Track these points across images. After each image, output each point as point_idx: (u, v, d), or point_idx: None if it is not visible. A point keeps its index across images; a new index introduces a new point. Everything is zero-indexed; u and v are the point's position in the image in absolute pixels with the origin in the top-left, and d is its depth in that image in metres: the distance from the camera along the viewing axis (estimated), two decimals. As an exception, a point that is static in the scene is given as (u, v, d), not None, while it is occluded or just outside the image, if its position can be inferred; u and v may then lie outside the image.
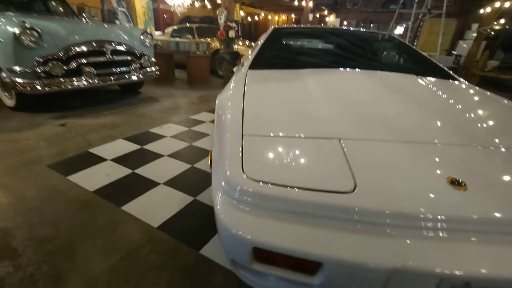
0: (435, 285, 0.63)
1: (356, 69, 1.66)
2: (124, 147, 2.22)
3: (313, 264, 0.67)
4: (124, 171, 1.84)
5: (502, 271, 0.61)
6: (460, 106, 1.25)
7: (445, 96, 1.39)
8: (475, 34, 6.80)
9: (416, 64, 1.86)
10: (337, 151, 0.86)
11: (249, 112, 1.07)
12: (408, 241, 0.65)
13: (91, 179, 1.72)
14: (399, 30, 10.55)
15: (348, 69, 1.66)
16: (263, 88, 1.38)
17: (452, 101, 1.32)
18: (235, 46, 4.97)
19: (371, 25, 12.23)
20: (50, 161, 1.93)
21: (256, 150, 0.87)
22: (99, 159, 1.98)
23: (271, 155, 0.85)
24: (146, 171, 1.86)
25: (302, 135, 0.94)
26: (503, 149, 0.90)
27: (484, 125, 1.08)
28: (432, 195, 0.72)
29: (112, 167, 1.89)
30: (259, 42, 2.13)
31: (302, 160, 0.84)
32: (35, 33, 2.57)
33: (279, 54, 1.96)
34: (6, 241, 1.20)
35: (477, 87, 1.53)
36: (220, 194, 0.81)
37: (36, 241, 1.21)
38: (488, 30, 5.73)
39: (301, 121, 1.03)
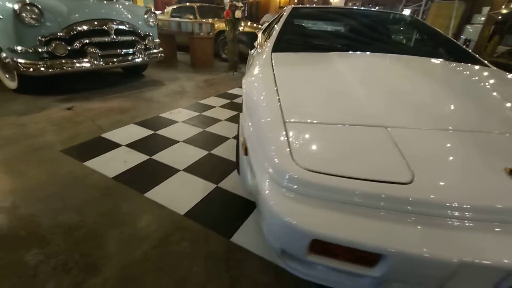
0: (499, 279, 0.63)
1: (385, 53, 1.60)
2: (136, 132, 2.16)
3: (373, 256, 0.66)
4: (141, 157, 1.79)
5: None
6: (499, 93, 1.21)
7: (482, 82, 1.35)
8: (483, 18, 6.62)
9: (444, 47, 1.79)
10: (387, 139, 0.83)
11: (286, 98, 1.02)
12: (472, 234, 0.64)
13: (109, 165, 1.68)
14: (406, 12, 10.23)
15: (376, 53, 1.59)
16: (294, 72, 1.32)
17: (491, 88, 1.28)
18: (240, 28, 4.79)
19: (376, 7, 11.85)
20: (62, 146, 1.87)
21: (302, 137, 0.83)
22: (114, 145, 1.93)
23: (318, 143, 0.82)
24: (163, 157, 1.82)
25: (346, 123, 0.90)
26: None
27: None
28: (492, 187, 0.70)
29: (128, 153, 1.85)
30: (275, 24, 2.03)
31: (351, 149, 0.80)
32: (36, 10, 2.42)
33: (301, 36, 1.87)
34: (32, 228, 1.18)
35: (508, 74, 1.49)
36: (268, 181, 0.78)
37: (63, 228, 1.18)
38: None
39: (342, 108, 0.99)
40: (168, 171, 1.66)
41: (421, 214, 0.67)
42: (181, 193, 1.47)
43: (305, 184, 0.71)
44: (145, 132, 2.17)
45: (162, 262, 1.06)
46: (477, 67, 1.54)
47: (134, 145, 1.95)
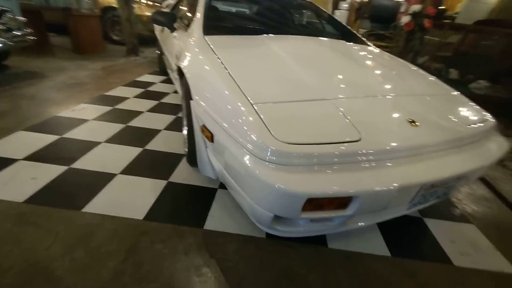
0: (416, 191, 0.94)
1: (303, 36, 1.83)
2: (33, 140, 1.69)
3: (346, 199, 0.85)
4: (56, 169, 1.45)
5: (449, 172, 0.96)
6: (388, 66, 1.61)
7: (376, 58, 1.75)
8: (346, 5, 8.21)
9: (340, 31, 2.19)
10: (334, 110, 1.02)
11: (243, 82, 1.06)
12: (402, 167, 0.91)
13: (11, 187, 1.29)
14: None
15: (296, 35, 1.80)
16: (237, 56, 1.35)
17: (382, 62, 1.69)
18: (136, 5, 4.20)
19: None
20: None
21: (272, 116, 0.92)
22: (7, 161, 1.47)
23: (287, 119, 0.93)
24: (87, 163, 1.53)
25: (301, 99, 1.04)
26: (428, 98, 1.29)
27: (410, 79, 1.47)
28: (405, 133, 1.00)
29: (32, 167, 1.45)
30: (188, 6, 1.96)
31: (312, 121, 0.95)
32: None
33: (225, 19, 1.89)
34: None
35: (385, 52, 1.99)
36: (248, 158, 0.84)
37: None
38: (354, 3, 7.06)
39: (292, 87, 1.12)
40: (101, 178, 1.42)
41: (370, 161, 0.89)
42: (129, 198, 1.31)
43: (286, 155, 0.81)
44: (46, 138, 1.72)
45: (140, 271, 0.98)
46: (369, 47, 1.97)
47: (39, 157, 1.54)
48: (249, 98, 0.97)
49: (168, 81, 3.24)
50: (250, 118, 0.89)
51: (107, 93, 2.63)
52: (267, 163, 0.82)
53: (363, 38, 2.09)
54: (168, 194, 1.37)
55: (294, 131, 0.88)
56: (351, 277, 1.05)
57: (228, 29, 1.71)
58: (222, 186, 1.45)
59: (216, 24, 1.70)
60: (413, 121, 1.05)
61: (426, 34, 3.37)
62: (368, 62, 1.65)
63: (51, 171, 1.43)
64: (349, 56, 1.68)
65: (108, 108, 2.28)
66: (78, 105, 2.28)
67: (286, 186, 0.77)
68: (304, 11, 2.29)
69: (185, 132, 1.61)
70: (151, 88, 2.93)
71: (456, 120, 1.16)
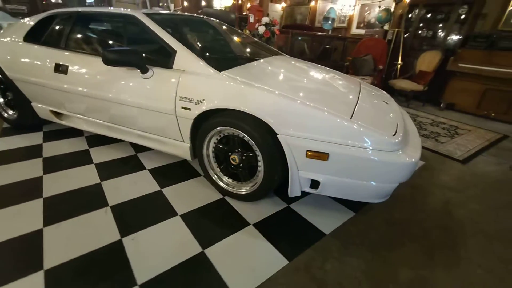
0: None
1: (267, 57, 2.09)
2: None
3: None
4: None
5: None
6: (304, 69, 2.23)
7: (312, 67, 2.34)
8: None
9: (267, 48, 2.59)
10: (370, 109, 1.53)
11: (318, 103, 1.32)
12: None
13: None
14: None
15: (264, 58, 2.03)
16: (274, 82, 1.51)
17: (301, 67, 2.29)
18: None
19: None
20: None
21: (366, 121, 1.29)
22: None
23: (372, 121, 1.34)
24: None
25: (352, 105, 1.46)
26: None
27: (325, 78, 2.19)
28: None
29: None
30: None
31: (379, 118, 1.42)
32: None
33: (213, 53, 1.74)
34: None
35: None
36: (379, 153, 1.21)
37: None
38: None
39: (331, 96, 1.50)
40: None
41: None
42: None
43: (398, 143, 1.24)
44: None
45: None
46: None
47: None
48: (339, 114, 1.26)
49: (55, 134, 2.32)
50: (361, 129, 1.22)
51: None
52: (391, 152, 1.21)
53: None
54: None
55: (384, 128, 1.31)
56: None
57: (226, 62, 1.67)
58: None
59: (216, 58, 1.61)
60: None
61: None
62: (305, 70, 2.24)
63: None
64: (306, 67, 2.16)
65: None
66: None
67: (414, 159, 1.22)
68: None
69: (261, 168, 1.45)
70: (47, 154, 2.02)
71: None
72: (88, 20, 1.96)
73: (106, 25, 2.01)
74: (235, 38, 2.33)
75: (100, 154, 2.03)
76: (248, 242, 1.29)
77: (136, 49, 1.46)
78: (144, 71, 1.52)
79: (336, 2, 5.80)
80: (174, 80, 1.49)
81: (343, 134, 1.23)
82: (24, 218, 1.36)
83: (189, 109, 1.45)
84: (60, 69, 1.82)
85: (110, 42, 1.93)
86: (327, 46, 5.46)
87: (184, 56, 1.52)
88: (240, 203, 1.57)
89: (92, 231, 1.30)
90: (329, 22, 5.67)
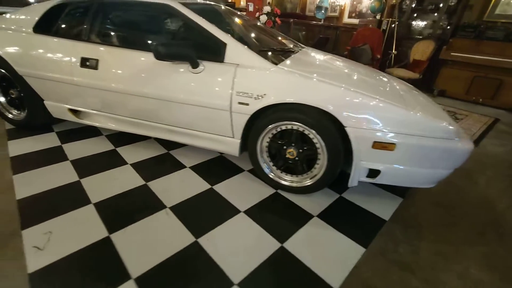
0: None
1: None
2: None
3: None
4: None
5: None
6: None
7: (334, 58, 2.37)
8: None
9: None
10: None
11: (379, 95, 1.37)
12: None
13: None
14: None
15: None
16: (330, 76, 1.52)
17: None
18: None
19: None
20: None
21: (427, 113, 1.36)
22: None
23: (428, 111, 1.41)
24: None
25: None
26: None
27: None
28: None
29: None
30: None
31: (429, 109, 1.50)
32: None
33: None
34: None
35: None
36: (444, 141, 1.29)
37: None
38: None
39: (377, 86, 1.55)
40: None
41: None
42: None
43: (453, 132, 1.33)
44: None
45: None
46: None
47: None
48: (403, 106, 1.32)
49: (67, 135, 2.15)
50: (425, 118, 1.29)
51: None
52: (451, 140, 1.30)
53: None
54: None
55: (441, 117, 1.38)
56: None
57: (274, 54, 1.62)
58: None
59: (263, 50, 1.59)
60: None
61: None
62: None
63: None
64: (339, 60, 2.18)
65: (86, 206, 1.36)
66: None
67: (470, 145, 1.32)
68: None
69: (321, 161, 1.47)
70: (73, 156, 1.87)
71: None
72: (113, 9, 1.80)
73: (135, 15, 1.85)
74: (259, 29, 2.28)
75: (130, 154, 1.92)
76: (321, 233, 1.33)
77: (188, 43, 1.39)
78: (195, 65, 1.45)
79: (328, -9, 5.83)
80: (228, 74, 1.44)
81: (409, 124, 1.28)
82: (85, 226, 1.27)
83: (247, 104, 1.42)
84: (87, 63, 1.67)
85: (144, 34, 1.79)
86: (321, 36, 5.51)
87: (236, 49, 1.47)
88: (295, 196, 1.59)
89: (163, 235, 1.26)
90: (322, 11, 5.70)
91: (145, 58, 1.57)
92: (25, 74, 1.87)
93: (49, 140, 2.04)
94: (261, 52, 1.55)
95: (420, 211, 1.56)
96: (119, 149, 1.98)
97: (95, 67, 1.65)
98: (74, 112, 1.99)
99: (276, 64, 1.45)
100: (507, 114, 3.65)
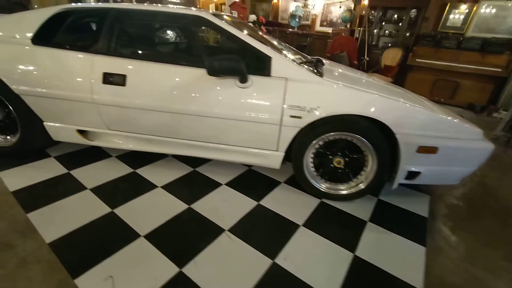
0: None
1: None
2: None
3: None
4: None
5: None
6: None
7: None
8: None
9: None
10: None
11: (416, 102, 1.50)
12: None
13: None
14: None
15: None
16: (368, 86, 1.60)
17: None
18: None
19: None
20: None
21: (457, 118, 1.54)
22: None
23: (453, 115, 1.59)
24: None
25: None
26: None
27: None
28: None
29: None
30: None
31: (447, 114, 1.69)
32: None
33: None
34: None
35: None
36: (476, 143, 1.47)
37: None
38: None
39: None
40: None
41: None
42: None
43: (481, 133, 1.53)
44: None
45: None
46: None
47: None
48: (439, 112, 1.47)
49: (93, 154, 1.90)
50: (460, 123, 1.46)
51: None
52: (480, 140, 1.48)
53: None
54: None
55: (464, 121, 1.57)
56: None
57: (315, 67, 1.64)
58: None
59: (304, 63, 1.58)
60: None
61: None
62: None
63: None
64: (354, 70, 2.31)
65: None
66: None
67: (491, 145, 1.51)
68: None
69: (369, 168, 1.55)
70: (91, 184, 1.65)
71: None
72: (135, 20, 1.64)
73: (164, 27, 1.71)
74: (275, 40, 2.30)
75: (155, 175, 1.76)
76: (381, 238, 1.40)
77: (238, 57, 1.34)
78: (245, 80, 1.41)
79: (299, 0, 6.12)
80: (279, 88, 1.43)
81: (448, 128, 1.43)
82: (150, 264, 1.13)
83: (299, 117, 1.43)
84: (111, 79, 1.49)
85: (180, 48, 1.66)
86: (299, 43, 5.75)
87: (282, 63, 1.47)
88: (340, 203, 1.64)
89: (238, 262, 1.18)
90: (296, 19, 5.96)
91: (186, 73, 1.47)
92: (23, 93, 1.59)
93: (51, 167, 1.76)
94: (301, 65, 1.57)
95: (449, 206, 1.74)
96: (139, 171, 1.80)
97: (122, 83, 1.49)
98: (81, 133, 1.76)
99: (320, 76, 1.48)
100: (464, 111, 4.24)
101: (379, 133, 1.43)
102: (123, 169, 1.81)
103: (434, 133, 1.43)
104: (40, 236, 1.23)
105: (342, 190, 1.63)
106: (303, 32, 5.98)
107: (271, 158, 1.62)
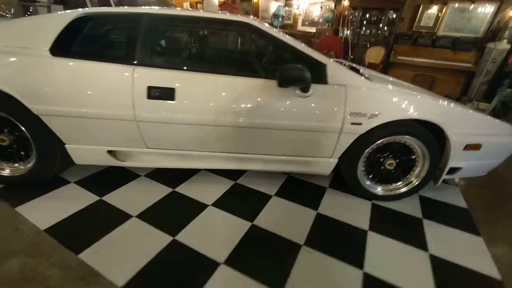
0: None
1: None
2: None
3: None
4: None
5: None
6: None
7: None
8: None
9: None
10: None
11: (451, 105, 1.60)
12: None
13: None
14: None
15: None
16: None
17: None
18: None
19: None
20: None
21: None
22: None
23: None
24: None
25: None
26: None
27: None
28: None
29: None
30: None
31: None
32: None
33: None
34: None
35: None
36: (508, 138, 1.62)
37: None
38: None
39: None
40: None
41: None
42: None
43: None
44: None
45: None
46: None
47: None
48: (477, 112, 1.59)
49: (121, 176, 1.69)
50: (495, 120, 1.59)
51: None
52: (510, 135, 1.63)
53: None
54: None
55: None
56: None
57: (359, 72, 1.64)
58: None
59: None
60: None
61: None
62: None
63: None
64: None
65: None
66: None
67: None
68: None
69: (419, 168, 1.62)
70: (134, 211, 1.47)
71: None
72: (169, 26, 1.48)
73: (207, 34, 1.56)
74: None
75: (197, 193, 1.64)
76: (444, 233, 1.47)
77: (303, 66, 1.29)
78: (307, 89, 1.36)
79: (280, 0, 6.15)
80: (339, 95, 1.41)
81: (488, 126, 1.55)
82: (243, 294, 1.04)
83: (360, 124, 1.43)
84: (158, 94, 1.34)
85: (232, 56, 1.54)
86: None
87: (337, 70, 1.45)
88: (390, 203, 1.68)
89: (330, 277, 1.15)
90: (279, 19, 5.98)
91: (245, 84, 1.38)
92: (44, 113, 1.35)
93: (77, 195, 1.53)
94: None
95: (480, 196, 1.89)
96: (179, 190, 1.66)
97: (170, 97, 1.34)
98: (109, 153, 1.57)
99: (372, 81, 1.50)
100: (442, 103, 4.65)
101: (431, 134, 1.49)
102: (160, 189, 1.65)
103: (478, 131, 1.53)
104: (107, 280, 1.06)
105: (396, 190, 1.68)
106: (286, 31, 6.03)
107: (323, 165, 1.61)
